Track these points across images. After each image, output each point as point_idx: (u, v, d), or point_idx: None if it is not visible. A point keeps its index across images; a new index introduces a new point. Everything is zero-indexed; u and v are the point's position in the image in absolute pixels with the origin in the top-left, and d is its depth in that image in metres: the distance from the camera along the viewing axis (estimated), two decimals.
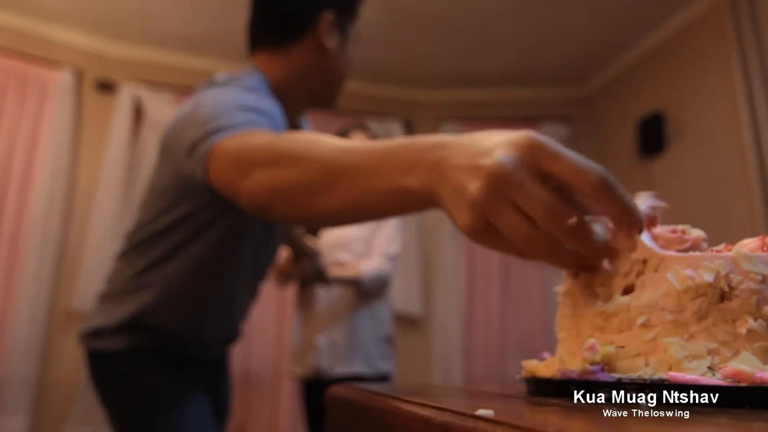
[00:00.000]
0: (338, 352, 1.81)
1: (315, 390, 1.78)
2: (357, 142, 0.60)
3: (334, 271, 1.82)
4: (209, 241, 1.01)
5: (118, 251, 1.14)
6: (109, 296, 1.09)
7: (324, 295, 1.86)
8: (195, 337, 1.12)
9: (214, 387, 1.23)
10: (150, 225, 1.04)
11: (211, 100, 0.87)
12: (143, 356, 1.07)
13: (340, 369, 1.79)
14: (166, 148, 0.98)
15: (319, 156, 0.60)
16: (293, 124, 1.10)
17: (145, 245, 1.05)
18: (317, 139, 0.63)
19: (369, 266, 1.83)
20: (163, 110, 3.19)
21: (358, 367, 1.79)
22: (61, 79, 3.01)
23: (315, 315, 1.86)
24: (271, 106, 0.92)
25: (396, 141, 0.55)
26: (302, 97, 1.07)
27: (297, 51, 1.02)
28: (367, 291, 1.84)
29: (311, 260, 1.59)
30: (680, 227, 0.50)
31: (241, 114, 0.81)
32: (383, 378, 1.89)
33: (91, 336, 1.08)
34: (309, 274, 1.69)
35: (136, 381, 1.05)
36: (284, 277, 1.71)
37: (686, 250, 0.48)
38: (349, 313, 1.83)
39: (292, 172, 0.62)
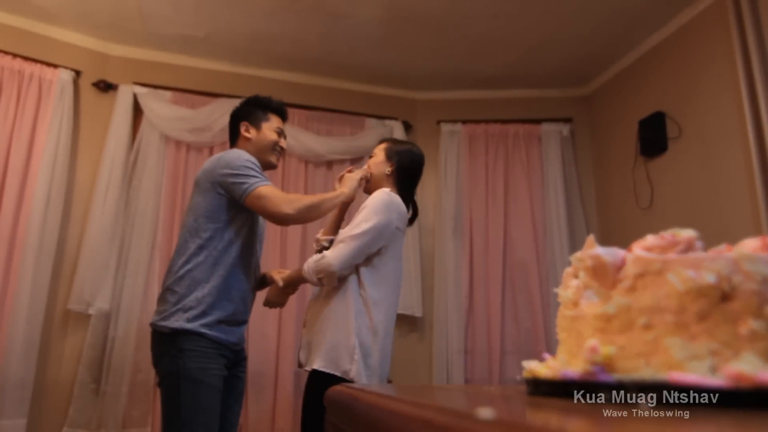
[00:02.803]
0: (311, 350, 1.80)
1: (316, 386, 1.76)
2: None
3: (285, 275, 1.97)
4: (244, 224, 1.83)
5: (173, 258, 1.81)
6: (176, 282, 1.72)
7: (313, 299, 1.92)
8: (244, 310, 1.83)
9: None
10: (195, 226, 1.78)
11: (244, 158, 1.83)
12: (202, 339, 1.66)
13: (310, 366, 1.77)
14: (214, 183, 1.80)
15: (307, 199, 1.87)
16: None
17: (193, 235, 1.77)
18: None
19: (310, 259, 1.82)
20: (161, 110, 3.19)
21: (317, 365, 1.73)
22: (60, 79, 3.01)
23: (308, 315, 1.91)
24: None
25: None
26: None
27: (240, 142, 1.99)
28: (322, 284, 1.80)
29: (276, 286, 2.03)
30: (667, 232, 0.49)
31: (261, 174, 1.83)
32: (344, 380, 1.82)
33: (166, 318, 1.68)
34: (275, 296, 2.04)
35: (192, 357, 1.64)
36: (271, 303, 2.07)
37: (683, 252, 0.48)
38: (321, 312, 1.82)
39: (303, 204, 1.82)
